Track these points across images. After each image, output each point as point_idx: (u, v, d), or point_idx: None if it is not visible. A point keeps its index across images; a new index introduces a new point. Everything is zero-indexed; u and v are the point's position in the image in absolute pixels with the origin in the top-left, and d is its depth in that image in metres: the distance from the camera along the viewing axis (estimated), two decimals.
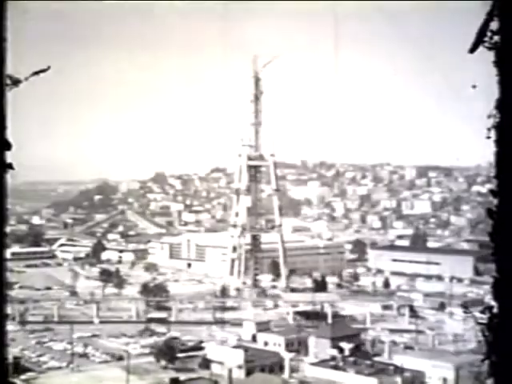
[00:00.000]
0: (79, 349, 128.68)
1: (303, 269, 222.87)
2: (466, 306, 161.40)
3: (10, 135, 9.13)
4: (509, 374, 8.01)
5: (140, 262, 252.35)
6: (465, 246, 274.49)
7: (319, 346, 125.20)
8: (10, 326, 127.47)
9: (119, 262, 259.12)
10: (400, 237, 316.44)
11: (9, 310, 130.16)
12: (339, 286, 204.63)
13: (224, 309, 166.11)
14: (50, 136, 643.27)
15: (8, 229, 9.09)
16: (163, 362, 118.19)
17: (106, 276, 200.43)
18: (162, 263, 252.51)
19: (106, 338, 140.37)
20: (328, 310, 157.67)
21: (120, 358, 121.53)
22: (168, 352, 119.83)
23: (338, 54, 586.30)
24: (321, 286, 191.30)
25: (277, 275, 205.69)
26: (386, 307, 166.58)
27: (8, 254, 9.43)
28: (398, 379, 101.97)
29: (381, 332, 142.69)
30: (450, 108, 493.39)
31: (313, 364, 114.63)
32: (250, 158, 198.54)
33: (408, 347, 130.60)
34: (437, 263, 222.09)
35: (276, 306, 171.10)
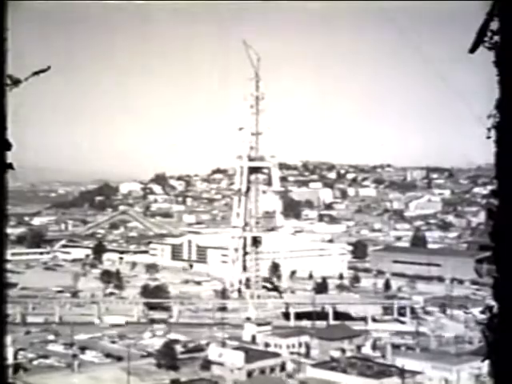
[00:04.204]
0: (79, 350, 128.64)
1: (304, 270, 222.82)
2: (467, 306, 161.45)
3: (10, 135, 9.13)
4: (509, 373, 8.00)
5: (141, 263, 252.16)
6: (466, 247, 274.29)
7: (320, 348, 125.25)
8: (11, 327, 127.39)
9: (120, 263, 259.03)
10: (401, 238, 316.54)
11: (9, 310, 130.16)
12: (340, 287, 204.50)
13: (225, 310, 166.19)
14: (51, 136, 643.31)
15: (8, 229, 9.09)
16: (164, 364, 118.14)
17: (107, 277, 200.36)
18: (162, 264, 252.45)
19: (106, 339, 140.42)
20: (329, 312, 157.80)
21: (120, 359, 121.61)
22: (168, 353, 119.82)
23: (339, 55, 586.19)
24: (322, 288, 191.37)
25: (277, 276, 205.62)
26: (386, 309, 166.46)
27: (8, 254, 9.44)
28: (399, 381, 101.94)
29: (382, 333, 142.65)
30: (451, 108, 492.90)
31: (314, 365, 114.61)
32: (250, 159, 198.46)
33: (409, 349, 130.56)
34: (437, 265, 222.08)
35: (277, 307, 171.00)
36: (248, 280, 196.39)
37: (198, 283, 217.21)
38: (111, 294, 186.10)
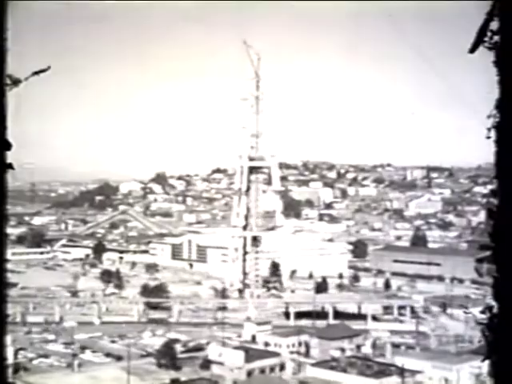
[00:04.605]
0: (80, 349, 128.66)
1: (304, 270, 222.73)
2: (466, 306, 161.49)
3: (10, 135, 9.13)
4: (509, 373, 8.00)
5: (141, 263, 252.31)
6: (466, 246, 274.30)
7: (320, 347, 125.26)
8: (11, 327, 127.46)
9: (120, 262, 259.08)
10: (401, 237, 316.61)
11: (9, 310, 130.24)
12: (340, 286, 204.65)
13: (225, 309, 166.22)
14: (51, 136, 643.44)
15: (9, 229, 9.09)
16: (164, 363, 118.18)
17: (107, 276, 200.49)
18: (162, 264, 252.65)
19: (106, 339, 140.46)
20: (329, 311, 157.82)
21: (120, 359, 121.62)
22: (168, 353, 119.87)
23: (339, 56, 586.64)
24: (322, 287, 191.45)
25: (277, 276, 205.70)
26: (386, 308, 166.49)
27: (9, 254, 9.41)
28: (399, 380, 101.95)
29: (381, 333, 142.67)
30: (451, 108, 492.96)
31: (314, 365, 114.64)
32: (251, 159, 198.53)
33: (409, 348, 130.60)
34: (438, 264, 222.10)
35: (277, 306, 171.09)
36: (248, 279, 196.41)
37: (198, 283, 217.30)
38: (112, 293, 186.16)
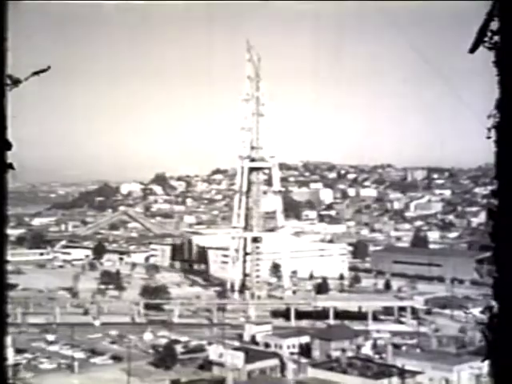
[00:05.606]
0: (80, 351, 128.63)
1: (305, 270, 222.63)
2: (467, 307, 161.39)
3: (10, 135, 9.13)
4: (509, 373, 8.00)
5: (141, 264, 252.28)
6: (466, 247, 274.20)
7: (320, 348, 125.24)
8: (11, 328, 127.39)
9: (120, 263, 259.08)
10: (401, 238, 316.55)
11: (10, 311, 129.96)
12: (340, 287, 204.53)
13: (225, 310, 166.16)
14: (51, 137, 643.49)
15: (9, 230, 9.09)
16: (164, 364, 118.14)
17: (107, 278, 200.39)
18: (163, 265, 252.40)
19: (106, 340, 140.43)
20: (329, 312, 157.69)
21: (120, 360, 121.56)
22: (169, 354, 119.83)
23: (339, 56, 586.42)
24: (322, 288, 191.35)
25: (278, 277, 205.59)
26: (386, 309, 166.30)
27: (9, 255, 9.43)
28: (399, 381, 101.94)
29: (382, 334, 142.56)
30: (451, 108, 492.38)
31: (314, 365, 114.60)
32: (251, 160, 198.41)
33: (409, 349, 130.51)
34: (438, 265, 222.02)
35: (277, 307, 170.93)
36: (248, 280, 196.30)
37: (199, 283, 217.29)
38: (113, 295, 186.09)
